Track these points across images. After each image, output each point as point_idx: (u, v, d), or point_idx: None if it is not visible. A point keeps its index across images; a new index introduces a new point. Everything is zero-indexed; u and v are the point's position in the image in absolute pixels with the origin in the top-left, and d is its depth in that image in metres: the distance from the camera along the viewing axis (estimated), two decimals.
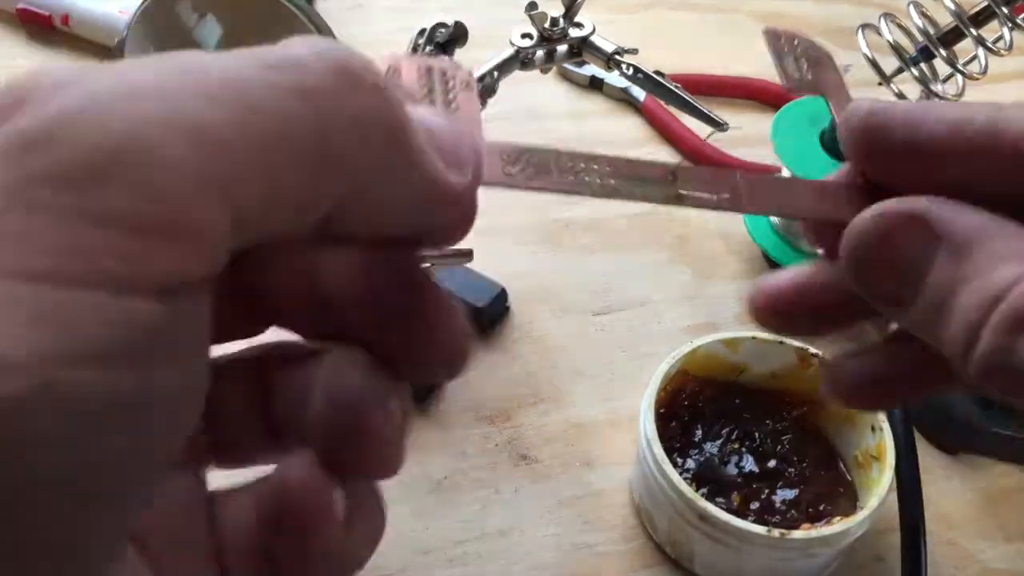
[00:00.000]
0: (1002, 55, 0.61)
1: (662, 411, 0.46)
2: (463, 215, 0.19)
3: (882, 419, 0.45)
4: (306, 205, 0.17)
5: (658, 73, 0.43)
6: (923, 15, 0.61)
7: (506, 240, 0.60)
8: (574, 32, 0.50)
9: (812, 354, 0.48)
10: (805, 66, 0.27)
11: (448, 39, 0.45)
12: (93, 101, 0.15)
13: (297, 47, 0.17)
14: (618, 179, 0.22)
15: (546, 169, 0.21)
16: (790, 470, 0.46)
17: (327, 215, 0.17)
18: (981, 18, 0.59)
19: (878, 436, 0.45)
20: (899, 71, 0.62)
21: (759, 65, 0.76)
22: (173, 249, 0.15)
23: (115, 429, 0.15)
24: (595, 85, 0.71)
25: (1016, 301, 0.19)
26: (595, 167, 0.22)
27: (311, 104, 0.16)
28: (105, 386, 0.14)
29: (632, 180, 0.22)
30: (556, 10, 0.49)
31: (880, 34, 0.61)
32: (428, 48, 0.44)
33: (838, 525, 0.42)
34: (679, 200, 0.23)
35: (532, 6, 0.48)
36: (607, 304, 0.57)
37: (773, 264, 0.60)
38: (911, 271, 0.21)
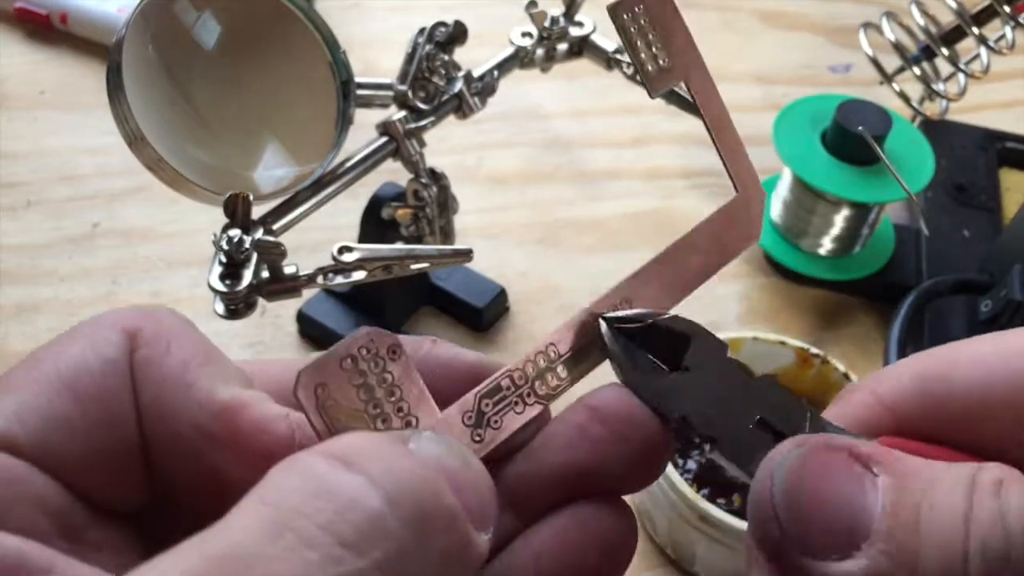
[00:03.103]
0: (1004, 54, 0.61)
1: None
2: None
3: None
4: None
5: None
6: (925, 14, 0.61)
7: (506, 240, 0.60)
8: (574, 31, 0.49)
9: (812, 354, 0.47)
10: (659, 45, 0.26)
11: (447, 38, 0.45)
12: None
13: (369, 497, 0.17)
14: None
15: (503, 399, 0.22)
16: None
17: None
18: (983, 17, 0.59)
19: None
20: (901, 70, 0.62)
21: (761, 64, 0.76)
22: None
23: None
24: None
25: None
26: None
27: (394, 565, 0.17)
28: None
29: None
30: (556, 8, 0.49)
31: (882, 33, 0.61)
32: (428, 47, 0.44)
33: None
34: None
35: (532, 4, 0.48)
36: None
37: (775, 264, 0.60)
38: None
